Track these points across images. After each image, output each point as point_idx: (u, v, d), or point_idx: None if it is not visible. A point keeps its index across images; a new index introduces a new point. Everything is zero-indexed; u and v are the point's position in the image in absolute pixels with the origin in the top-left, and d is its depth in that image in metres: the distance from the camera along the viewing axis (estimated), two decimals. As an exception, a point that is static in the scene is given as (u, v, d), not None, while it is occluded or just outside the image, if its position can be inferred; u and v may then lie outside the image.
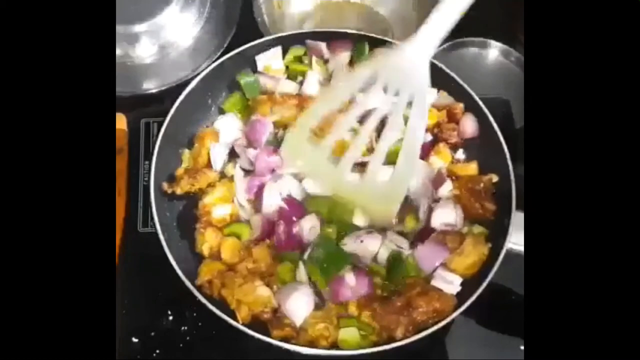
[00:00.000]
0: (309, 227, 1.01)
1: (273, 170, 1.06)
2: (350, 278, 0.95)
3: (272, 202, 1.03)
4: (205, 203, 1.05)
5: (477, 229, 1.03)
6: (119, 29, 1.23)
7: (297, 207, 1.03)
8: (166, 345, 1.04)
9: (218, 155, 1.09)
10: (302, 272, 0.99)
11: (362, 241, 1.00)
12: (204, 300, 0.93)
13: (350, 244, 1.00)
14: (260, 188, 1.04)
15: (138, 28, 1.26)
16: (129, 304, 1.07)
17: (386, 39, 1.14)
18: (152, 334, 1.05)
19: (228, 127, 1.13)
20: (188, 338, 1.05)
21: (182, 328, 1.05)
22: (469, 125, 1.11)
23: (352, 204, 1.01)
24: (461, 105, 1.12)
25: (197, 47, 1.30)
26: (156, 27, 1.27)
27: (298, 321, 0.93)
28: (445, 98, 1.14)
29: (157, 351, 1.04)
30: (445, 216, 1.02)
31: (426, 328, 0.92)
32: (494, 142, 1.05)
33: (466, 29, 1.31)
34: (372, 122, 0.95)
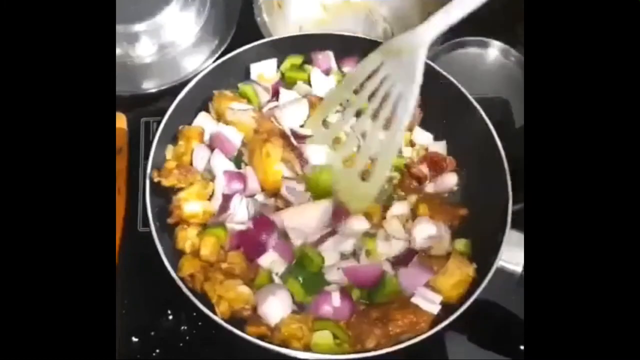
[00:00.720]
0: (268, 262, 1.00)
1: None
2: (335, 298, 0.95)
3: (240, 217, 1.02)
4: (179, 197, 1.03)
5: (460, 243, 1.02)
6: (119, 28, 1.23)
7: (266, 225, 1.01)
8: (166, 344, 1.04)
9: (200, 157, 1.08)
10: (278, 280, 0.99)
11: (338, 269, 0.99)
12: (188, 293, 0.93)
13: (330, 273, 1.00)
14: (226, 201, 1.03)
15: (138, 27, 1.26)
16: (129, 303, 1.06)
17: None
18: (152, 333, 1.05)
19: (206, 126, 1.12)
20: (188, 338, 1.05)
21: (182, 328, 1.05)
22: (449, 182, 1.10)
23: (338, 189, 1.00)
24: (453, 161, 1.11)
25: (197, 46, 1.30)
26: (156, 27, 1.27)
27: (273, 321, 0.94)
28: (442, 148, 1.14)
29: (157, 351, 1.04)
30: (426, 230, 1.01)
31: (401, 342, 0.91)
32: (493, 155, 1.05)
33: (466, 28, 1.31)
34: (363, 120, 0.95)
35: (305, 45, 1.19)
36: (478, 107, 1.08)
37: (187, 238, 1.01)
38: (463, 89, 1.10)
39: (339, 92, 1.04)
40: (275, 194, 1.07)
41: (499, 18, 1.38)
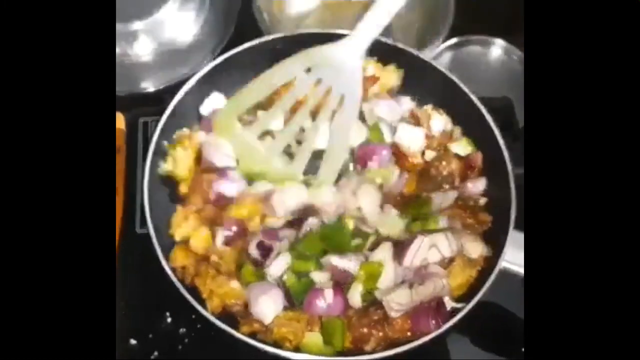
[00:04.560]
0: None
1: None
2: (328, 294, 0.94)
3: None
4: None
5: (474, 246, 0.99)
6: (118, 26, 1.23)
7: (266, 249, 0.99)
8: (164, 347, 1.04)
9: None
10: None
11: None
12: (177, 284, 0.92)
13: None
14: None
15: (136, 26, 1.25)
16: (127, 305, 1.06)
17: (389, 42, 1.14)
18: (150, 335, 1.05)
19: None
20: (186, 340, 1.04)
21: (181, 330, 1.05)
22: (479, 187, 1.07)
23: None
24: (480, 157, 1.08)
25: (196, 45, 1.29)
26: (154, 25, 1.26)
27: (267, 320, 0.93)
28: (464, 147, 1.10)
29: (156, 353, 1.03)
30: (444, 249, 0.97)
31: (399, 344, 0.91)
32: (496, 155, 1.04)
33: (469, 27, 1.31)
34: (302, 113, 1.04)
35: (305, 45, 1.18)
36: (481, 106, 1.07)
37: (179, 226, 1.00)
38: (465, 88, 1.09)
39: (255, 91, 1.07)
40: None
41: (501, 16, 1.37)
